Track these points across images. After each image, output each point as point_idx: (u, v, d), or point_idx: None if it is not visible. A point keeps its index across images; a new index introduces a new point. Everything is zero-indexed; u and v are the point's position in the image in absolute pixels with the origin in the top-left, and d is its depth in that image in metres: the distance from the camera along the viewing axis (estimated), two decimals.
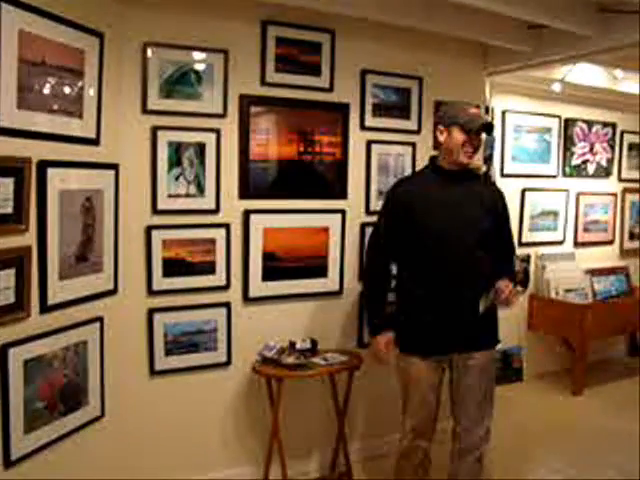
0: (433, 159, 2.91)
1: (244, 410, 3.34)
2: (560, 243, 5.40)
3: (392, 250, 2.88)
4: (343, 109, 3.48)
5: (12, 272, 2.24)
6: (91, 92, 2.61)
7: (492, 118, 4.63)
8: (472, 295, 2.72)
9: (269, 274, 3.32)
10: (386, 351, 2.88)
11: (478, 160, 2.91)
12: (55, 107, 2.40)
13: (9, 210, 2.20)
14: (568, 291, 5.19)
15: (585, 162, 5.53)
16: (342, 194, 3.53)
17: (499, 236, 2.90)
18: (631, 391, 5.00)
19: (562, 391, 4.97)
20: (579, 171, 5.50)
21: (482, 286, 2.74)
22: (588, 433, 4.19)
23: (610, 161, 5.74)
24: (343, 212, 3.52)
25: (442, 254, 2.71)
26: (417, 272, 2.80)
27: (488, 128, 2.79)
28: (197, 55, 3.03)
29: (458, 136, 2.71)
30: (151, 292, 3.02)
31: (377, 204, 3.63)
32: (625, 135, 5.83)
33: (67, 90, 2.47)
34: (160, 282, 3.04)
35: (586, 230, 5.61)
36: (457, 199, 2.75)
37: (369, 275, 3.05)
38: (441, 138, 2.79)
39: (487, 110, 4.12)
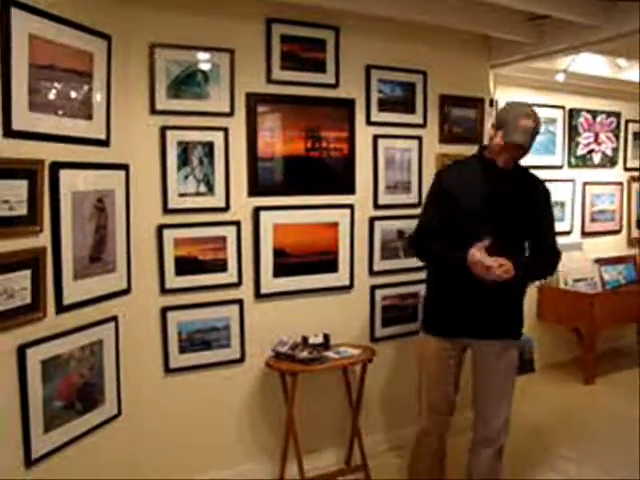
0: (481, 149, 2.91)
1: (259, 406, 3.37)
2: (568, 233, 5.41)
3: (440, 233, 2.82)
4: (349, 105, 3.49)
5: (28, 273, 2.27)
6: (100, 94, 2.64)
7: (497, 110, 4.64)
8: (496, 287, 2.67)
9: (280, 270, 3.35)
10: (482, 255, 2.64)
11: None
12: (66, 109, 2.43)
13: (24, 212, 2.23)
14: (577, 281, 5.20)
15: (590, 152, 5.54)
16: (350, 189, 3.55)
17: (535, 239, 2.87)
18: None
19: (574, 380, 4.99)
20: (585, 161, 5.51)
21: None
22: (601, 421, 4.21)
23: (615, 150, 5.75)
24: (352, 207, 3.54)
25: (471, 242, 2.65)
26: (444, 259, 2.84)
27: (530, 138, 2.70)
28: (203, 55, 3.05)
29: (500, 142, 2.69)
30: (164, 291, 3.05)
31: (385, 198, 3.66)
32: (630, 124, 5.84)
33: (77, 92, 2.50)
34: (172, 280, 3.06)
35: (593, 220, 5.62)
36: (495, 192, 2.75)
37: (424, 251, 2.94)
38: (491, 133, 2.79)
39: (491, 103, 4.12)
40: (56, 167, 2.38)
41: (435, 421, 2.95)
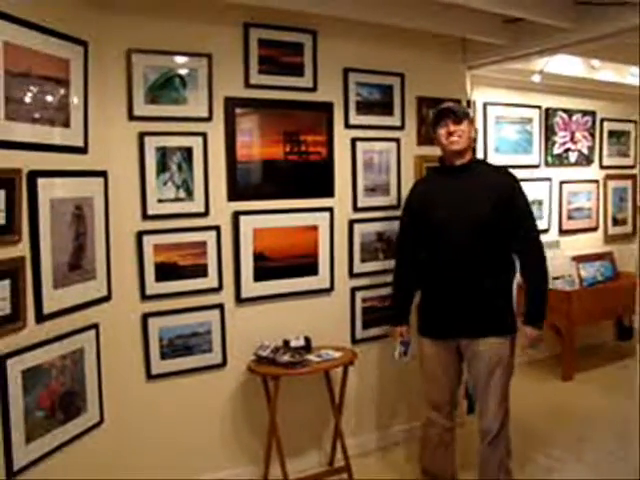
0: (439, 159, 3.14)
1: (241, 410, 3.37)
2: (545, 232, 5.45)
3: (414, 246, 3.12)
4: (327, 108, 3.51)
5: (7, 283, 2.25)
6: (77, 101, 2.63)
7: (474, 111, 4.68)
8: (475, 284, 2.89)
9: (260, 274, 3.35)
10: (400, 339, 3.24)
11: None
12: (42, 117, 2.42)
13: (2, 222, 2.21)
14: (555, 278, 5.25)
15: (567, 151, 5.61)
16: (329, 192, 3.56)
17: (514, 232, 2.93)
18: (621, 375, 5.09)
19: (553, 377, 5.06)
20: (561, 160, 5.57)
21: (488, 274, 2.90)
22: (581, 417, 4.27)
23: (591, 149, 5.82)
24: (331, 210, 3.55)
25: (446, 246, 2.93)
26: (429, 263, 3.05)
27: (448, 112, 2.95)
28: (181, 60, 3.05)
29: (439, 131, 2.97)
30: (145, 297, 3.04)
31: (364, 201, 3.68)
32: (605, 123, 5.91)
33: (54, 100, 2.49)
34: (153, 287, 3.06)
35: (570, 218, 5.69)
36: (459, 192, 2.94)
37: (395, 271, 3.31)
38: (436, 143, 3.05)
39: (469, 104, 4.16)
40: (34, 176, 2.36)
41: (435, 415, 3.12)
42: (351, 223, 3.64)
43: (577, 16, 3.35)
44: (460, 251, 2.89)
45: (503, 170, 3.08)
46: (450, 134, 2.93)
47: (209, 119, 3.14)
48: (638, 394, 3.13)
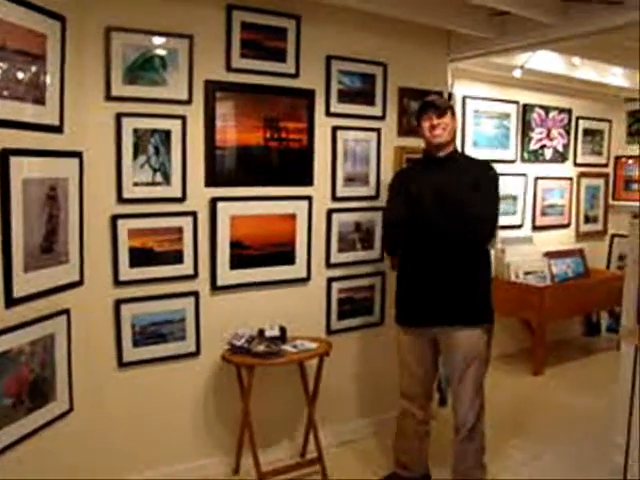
0: (423, 151, 3.17)
1: (214, 400, 3.32)
2: (519, 227, 5.50)
3: (401, 221, 3.01)
4: (309, 95, 3.45)
5: None
6: (54, 78, 2.52)
7: (453, 104, 4.66)
8: (451, 271, 2.91)
9: (237, 262, 3.30)
10: None
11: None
12: (17, 93, 2.32)
13: None
14: (527, 274, 5.30)
15: (542, 147, 5.64)
16: (308, 181, 3.51)
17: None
18: (589, 370, 5.20)
19: (523, 372, 5.10)
20: (537, 156, 5.60)
21: (465, 262, 2.92)
22: (551, 411, 4.32)
23: (566, 146, 5.86)
24: (310, 199, 3.50)
25: (425, 232, 2.90)
26: (407, 250, 3.06)
27: (431, 105, 2.97)
28: (161, 40, 2.96)
29: (423, 124, 2.99)
30: (118, 283, 2.96)
31: (343, 190, 3.64)
32: (580, 121, 5.96)
33: (29, 76, 2.38)
34: (127, 272, 2.98)
35: (544, 214, 5.73)
36: (440, 181, 2.92)
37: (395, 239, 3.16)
38: (420, 135, 3.07)
39: (449, 97, 4.14)
40: (6, 154, 2.26)
41: (410, 406, 3.13)
42: (329, 212, 3.60)
43: (562, 13, 3.35)
44: (438, 237, 2.88)
45: (485, 162, 3.12)
46: (433, 127, 2.95)
47: (189, 102, 3.07)
48: (627, 389, 3.13)
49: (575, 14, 3.33)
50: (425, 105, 2.99)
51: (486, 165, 3.06)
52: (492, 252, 3.16)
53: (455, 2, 3.33)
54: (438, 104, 2.98)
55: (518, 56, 4.36)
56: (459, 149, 4.88)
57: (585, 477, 3.32)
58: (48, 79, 2.49)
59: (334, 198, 3.62)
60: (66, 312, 2.68)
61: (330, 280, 3.66)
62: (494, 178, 2.99)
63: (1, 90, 2.23)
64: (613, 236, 6.34)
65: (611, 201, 6.38)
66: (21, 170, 2.34)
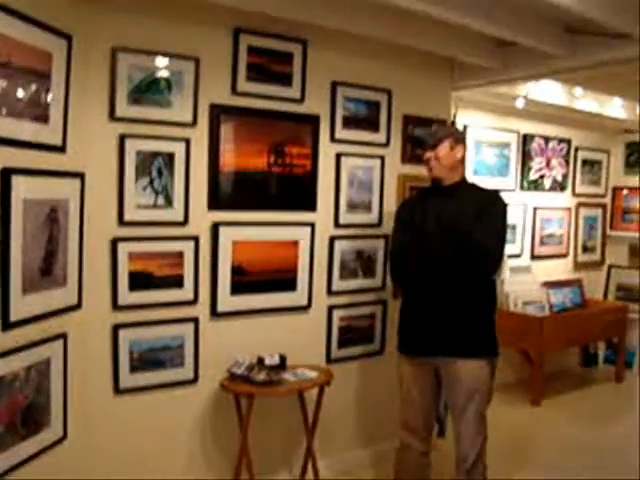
0: (431, 179, 3.05)
1: (211, 428, 3.24)
2: (518, 256, 5.47)
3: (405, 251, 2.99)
4: (314, 121, 3.43)
5: None
6: (58, 97, 2.48)
7: (455, 131, 4.65)
8: (454, 301, 2.84)
9: (238, 288, 3.24)
10: None
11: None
12: (20, 111, 2.27)
13: None
14: (526, 304, 5.26)
15: (542, 177, 5.64)
16: (312, 207, 3.47)
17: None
18: (587, 401, 5.16)
19: (521, 401, 5.04)
20: (536, 185, 5.60)
21: (468, 292, 2.85)
22: (548, 442, 4.26)
23: (565, 176, 5.87)
24: (313, 225, 3.46)
25: (428, 263, 2.85)
26: (411, 279, 2.98)
27: (416, 141, 3.02)
28: (167, 62, 2.92)
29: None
30: (116, 307, 2.89)
31: (346, 217, 3.60)
32: (579, 151, 5.97)
33: (33, 94, 2.33)
34: (126, 296, 2.91)
35: (542, 243, 5.71)
36: (445, 210, 2.87)
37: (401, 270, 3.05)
38: None
39: (453, 125, 4.13)
40: (8, 173, 2.21)
41: (411, 438, 3.03)
42: (332, 239, 3.56)
43: (569, 44, 3.35)
44: (441, 267, 2.83)
45: (493, 192, 3.05)
46: (426, 161, 2.95)
47: (193, 125, 3.03)
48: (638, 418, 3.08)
49: (580, 46, 3.34)
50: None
51: (494, 195, 3.00)
52: (498, 282, 3.10)
53: (461, 31, 3.32)
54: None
55: (520, 85, 4.37)
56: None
57: None
58: (52, 98, 2.44)
59: (337, 225, 3.58)
60: (63, 336, 2.60)
61: (331, 308, 3.60)
62: (501, 209, 2.94)
63: (4, 108, 2.18)
64: (610, 267, 6.33)
65: (609, 231, 6.38)
66: (22, 190, 2.28)
